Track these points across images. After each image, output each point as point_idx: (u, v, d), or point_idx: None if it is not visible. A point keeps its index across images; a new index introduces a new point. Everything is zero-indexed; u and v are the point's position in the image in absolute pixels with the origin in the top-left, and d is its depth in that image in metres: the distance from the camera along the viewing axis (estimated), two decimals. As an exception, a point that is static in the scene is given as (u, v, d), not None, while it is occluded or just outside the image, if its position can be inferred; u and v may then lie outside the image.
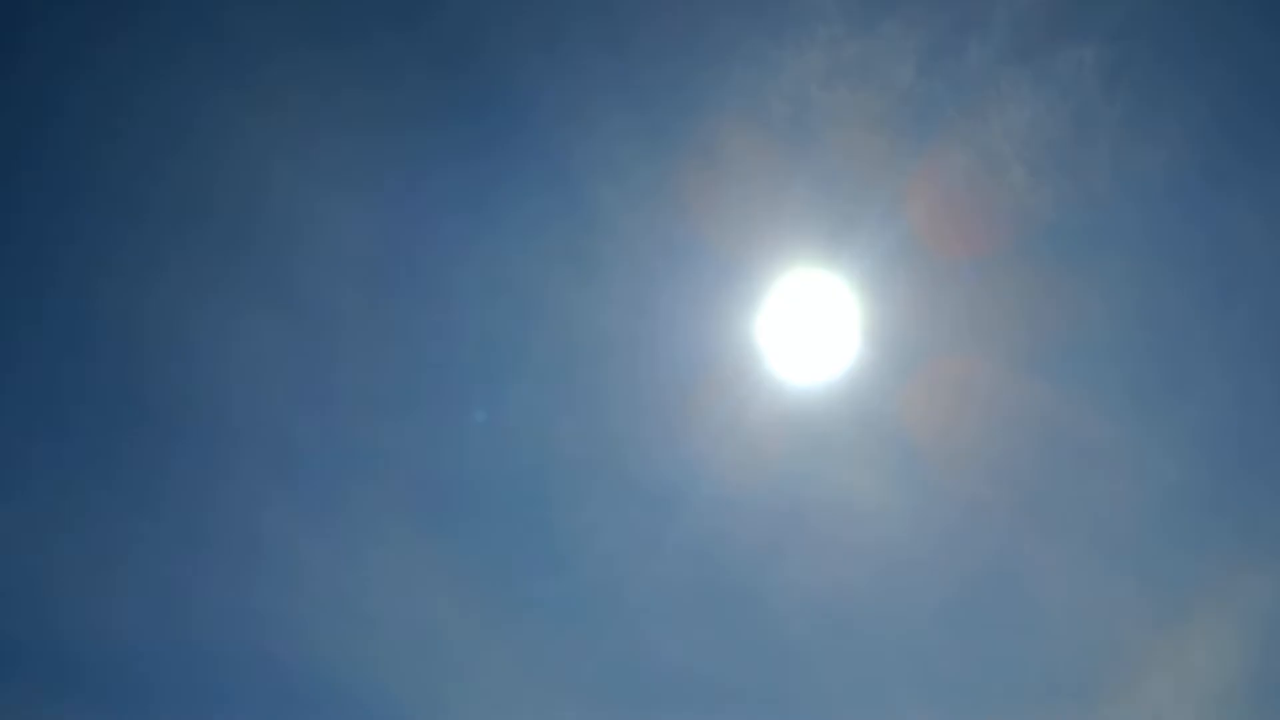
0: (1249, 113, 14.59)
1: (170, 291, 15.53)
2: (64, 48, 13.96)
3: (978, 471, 16.46)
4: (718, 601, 17.66)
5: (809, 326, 14.50)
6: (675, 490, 17.01)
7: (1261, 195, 14.89)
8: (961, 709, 18.39)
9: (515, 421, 16.99)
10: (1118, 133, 14.09)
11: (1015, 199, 13.72)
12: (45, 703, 16.62)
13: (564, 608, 18.17)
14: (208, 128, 14.40)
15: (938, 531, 17.24)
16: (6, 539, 16.33)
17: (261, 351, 16.42)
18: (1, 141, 14.54)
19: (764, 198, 13.48)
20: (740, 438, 15.75)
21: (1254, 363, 16.44)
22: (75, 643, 17.02)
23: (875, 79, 13.67)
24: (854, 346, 14.69)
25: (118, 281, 15.38)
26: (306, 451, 17.33)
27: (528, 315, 15.83)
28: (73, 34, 13.86)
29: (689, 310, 14.88)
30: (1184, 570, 17.88)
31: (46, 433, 16.17)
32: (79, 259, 15.11)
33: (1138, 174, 14.34)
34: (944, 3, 13.14)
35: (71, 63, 13.96)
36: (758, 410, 15.35)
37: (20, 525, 16.38)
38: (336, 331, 16.16)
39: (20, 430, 16.00)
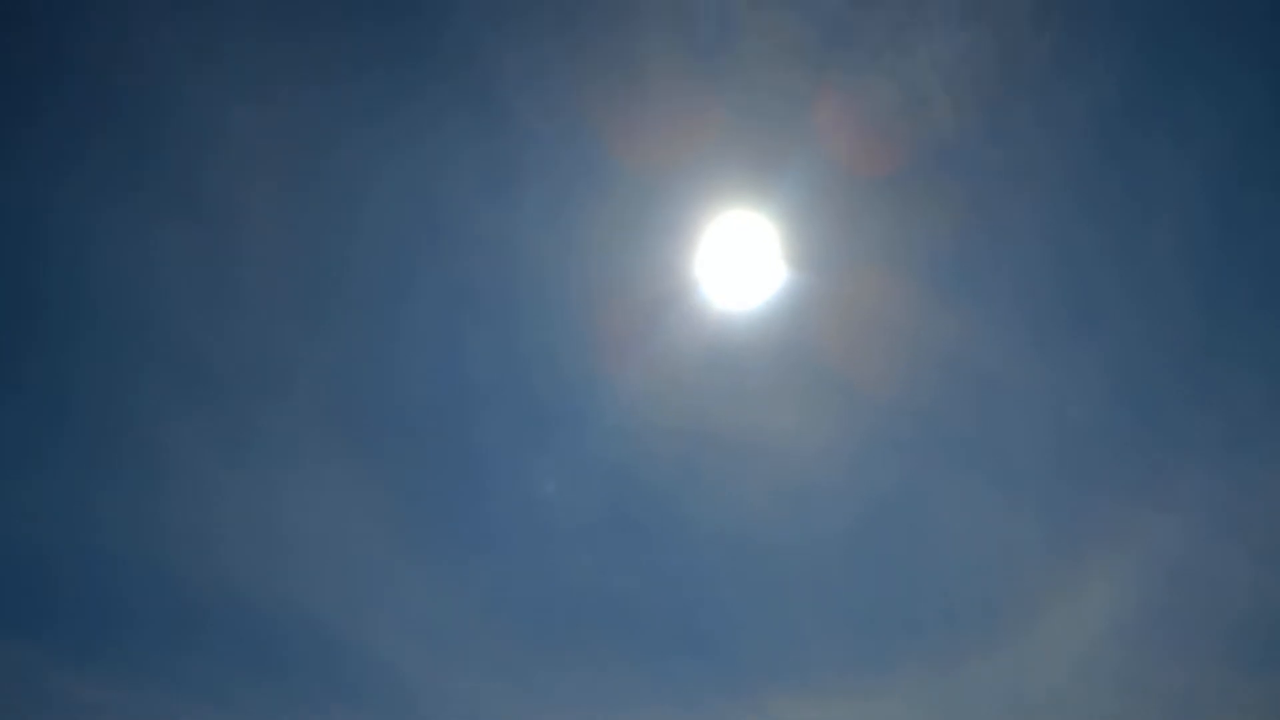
0: (1177, 55, 14.64)
1: (75, 196, 14.96)
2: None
3: (887, 403, 16.64)
4: (631, 524, 17.76)
5: (728, 250, 14.40)
6: (589, 413, 16.98)
7: (1182, 138, 15.01)
8: (863, 634, 18.83)
9: (427, 338, 16.75)
10: (1043, 70, 14.06)
11: (938, 130, 13.67)
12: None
13: (479, 528, 18.14)
14: (114, 34, 13.78)
15: (846, 461, 17.45)
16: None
17: (169, 261, 15.93)
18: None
19: (686, 117, 13.26)
20: (655, 362, 15.70)
21: (1163, 305, 16.72)
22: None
23: (804, 4, 13.45)
24: (770, 272, 14.64)
25: (20, 185, 14.79)
26: (216, 363, 16.94)
27: (441, 228, 15.53)
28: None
29: (606, 229, 14.69)
30: (1084, 506, 18.32)
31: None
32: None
33: (1061, 111, 14.37)
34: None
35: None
36: (672, 334, 15.30)
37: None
38: (246, 242, 15.71)
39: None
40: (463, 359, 16.43)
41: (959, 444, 17.21)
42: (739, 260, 14.26)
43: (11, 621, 17.04)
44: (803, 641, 18.81)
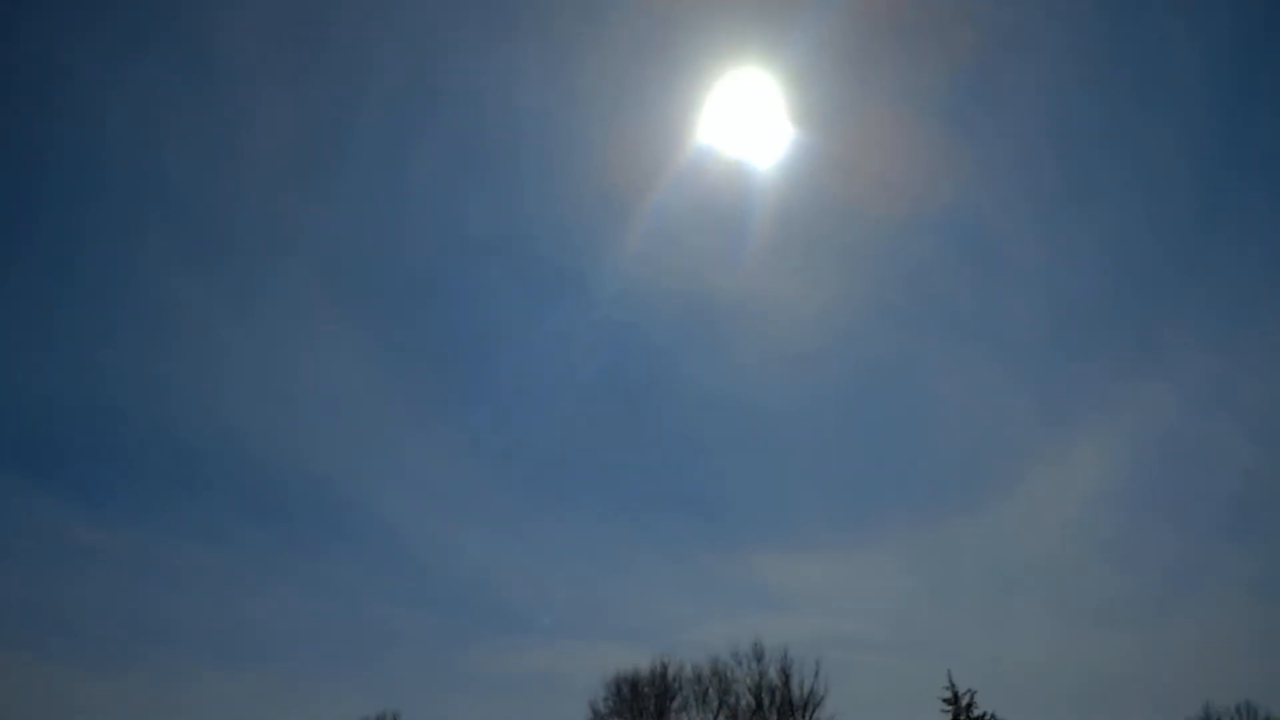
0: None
1: (88, 58, 14.93)
2: None
3: (886, 270, 16.99)
4: (630, 384, 18.31)
5: (733, 108, 14.51)
6: (591, 272, 17.35)
7: (1187, 16, 14.95)
8: (852, 495, 19.55)
9: (431, 197, 16.91)
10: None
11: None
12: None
13: (480, 386, 18.74)
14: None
15: (843, 326, 17.94)
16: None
17: (177, 121, 15.97)
18: None
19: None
20: (657, 221, 15.96)
21: (1160, 178, 16.88)
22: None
23: None
24: (774, 130, 14.78)
25: (35, 47, 14.77)
26: (223, 226, 17.16)
27: (442, 86, 15.53)
28: None
29: (609, 83, 14.68)
30: (1078, 375, 18.95)
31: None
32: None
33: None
34: None
35: None
36: (675, 193, 15.50)
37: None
38: (251, 103, 15.70)
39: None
40: (466, 218, 16.74)
41: (955, 311, 17.68)
42: (744, 118, 14.38)
43: (20, 468, 17.82)
44: (792, 501, 19.74)
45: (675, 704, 53.37)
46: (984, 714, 43.81)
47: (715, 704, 52.73)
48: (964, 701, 44.49)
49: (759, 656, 53.76)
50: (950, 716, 44.74)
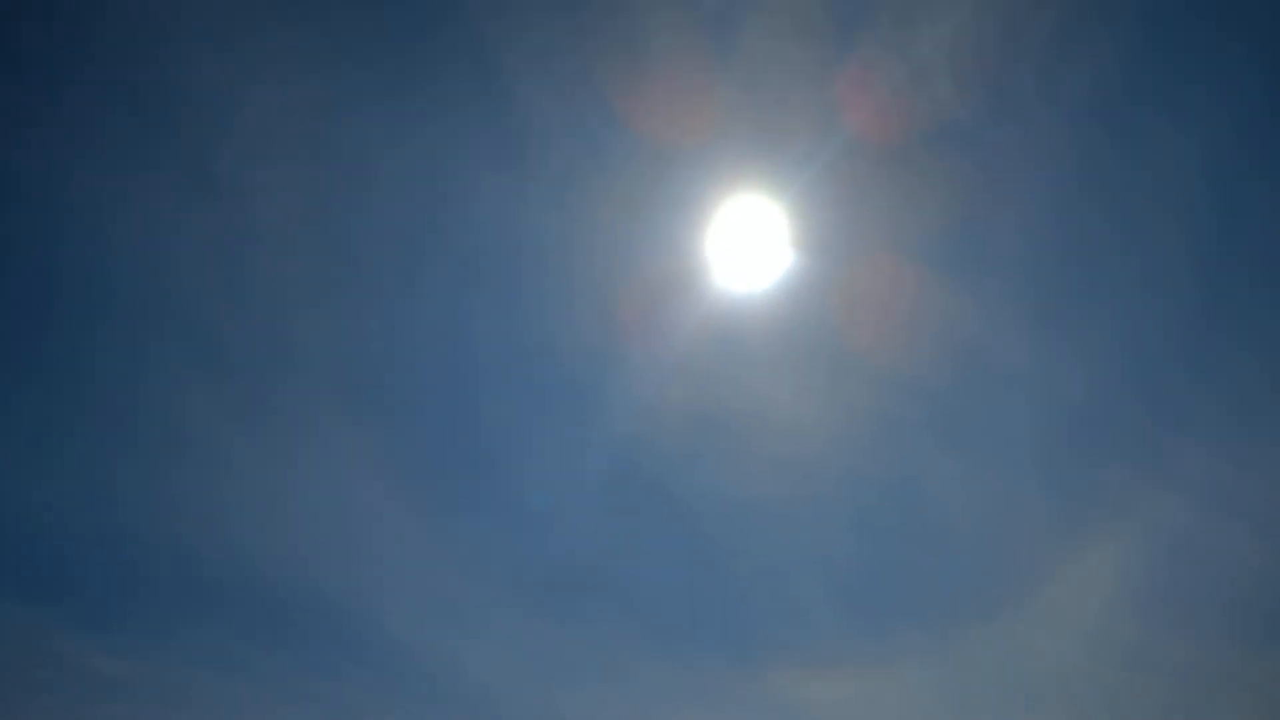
0: (1178, 36, 14.69)
1: (94, 177, 15.19)
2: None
3: (893, 380, 16.79)
4: (638, 496, 17.99)
5: (736, 232, 14.57)
6: (597, 389, 17.18)
7: (1184, 118, 15.06)
8: (865, 608, 19.04)
9: (436, 314, 16.96)
10: (1046, 50, 14.14)
11: (943, 108, 13.78)
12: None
13: (488, 503, 18.38)
14: (132, 17, 13.99)
15: (852, 437, 17.61)
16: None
17: (185, 240, 16.17)
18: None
19: (693, 97, 13.40)
20: (661, 339, 15.88)
21: (1165, 284, 16.81)
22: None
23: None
24: (778, 254, 14.79)
25: (42, 166, 15.03)
26: (231, 341, 17.20)
27: (449, 206, 15.72)
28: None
29: (614, 207, 14.86)
30: (1087, 483, 18.43)
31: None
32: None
33: (1062, 89, 14.45)
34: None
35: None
36: (679, 313, 15.47)
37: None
38: (259, 221, 15.95)
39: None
40: (471, 336, 16.68)
41: (963, 420, 17.38)
42: (747, 242, 14.43)
43: (30, 592, 17.42)
44: (806, 614, 19.04)
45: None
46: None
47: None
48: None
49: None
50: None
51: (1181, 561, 18.74)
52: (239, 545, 17.41)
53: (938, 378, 16.11)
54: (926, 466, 17.12)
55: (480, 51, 14.00)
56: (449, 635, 18.75)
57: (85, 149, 14.54)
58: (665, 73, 13.70)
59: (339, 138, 14.51)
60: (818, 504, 17.19)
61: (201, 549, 17.29)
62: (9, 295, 15.43)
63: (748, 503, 17.58)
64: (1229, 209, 15.69)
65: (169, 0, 13.28)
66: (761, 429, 16.67)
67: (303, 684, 18.84)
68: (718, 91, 13.55)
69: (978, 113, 14.35)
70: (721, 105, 13.61)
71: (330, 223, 15.34)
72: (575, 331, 15.43)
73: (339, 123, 14.69)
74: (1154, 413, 17.44)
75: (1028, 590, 18.80)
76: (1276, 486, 17.51)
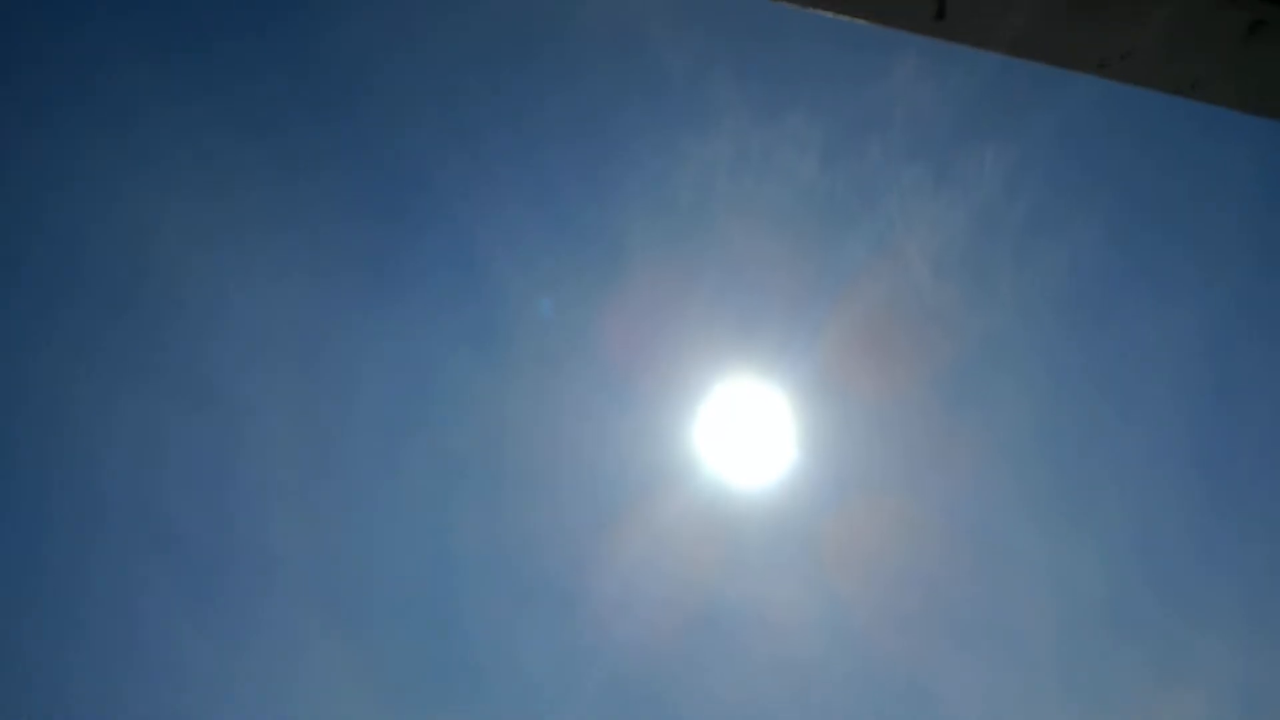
0: (1159, 216, 14.80)
1: (84, 392, 15.17)
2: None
3: (898, 591, 16.24)
4: (628, 700, 17.06)
5: (726, 432, 14.39)
6: (584, 593, 16.64)
7: (1171, 299, 15.01)
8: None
9: (422, 521, 16.62)
10: (1020, 232, 14.24)
11: (917, 297, 13.79)
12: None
13: (478, 714, 17.50)
14: (122, 220, 14.30)
15: (858, 647, 16.91)
16: None
17: (172, 450, 15.99)
18: None
19: (669, 288, 13.48)
20: (654, 545, 15.48)
21: (1167, 477, 16.37)
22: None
23: (778, 172, 13.83)
24: (770, 455, 14.57)
25: (19, 377, 15.04)
26: (215, 555, 16.75)
27: (436, 410, 15.62)
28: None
29: (599, 400, 14.74)
30: (1103, 690, 17.56)
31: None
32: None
33: (1041, 273, 14.47)
34: (845, 99, 13.37)
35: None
36: (672, 518, 15.12)
37: None
38: (243, 425, 15.80)
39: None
40: (454, 543, 16.32)
41: (965, 622, 16.61)
42: (738, 433, 14.22)
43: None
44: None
45: None
46: None
47: None
48: None
49: None
50: None
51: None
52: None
53: (936, 576, 15.49)
54: (937, 675, 16.25)
55: (457, 249, 14.23)
56: None
57: (75, 362, 14.60)
58: (643, 265, 13.83)
59: (321, 339, 14.56)
60: (814, 705, 16.27)
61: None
62: (7, 527, 15.28)
63: (748, 709, 16.68)
64: (1225, 391, 15.40)
65: (153, 205, 13.57)
66: (761, 630, 15.96)
67: None
68: (704, 281, 13.64)
69: (956, 302, 14.35)
70: (701, 298, 13.67)
71: (314, 422, 15.22)
72: (560, 534, 15.03)
73: (323, 330, 14.77)
74: (1168, 610, 16.65)
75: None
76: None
